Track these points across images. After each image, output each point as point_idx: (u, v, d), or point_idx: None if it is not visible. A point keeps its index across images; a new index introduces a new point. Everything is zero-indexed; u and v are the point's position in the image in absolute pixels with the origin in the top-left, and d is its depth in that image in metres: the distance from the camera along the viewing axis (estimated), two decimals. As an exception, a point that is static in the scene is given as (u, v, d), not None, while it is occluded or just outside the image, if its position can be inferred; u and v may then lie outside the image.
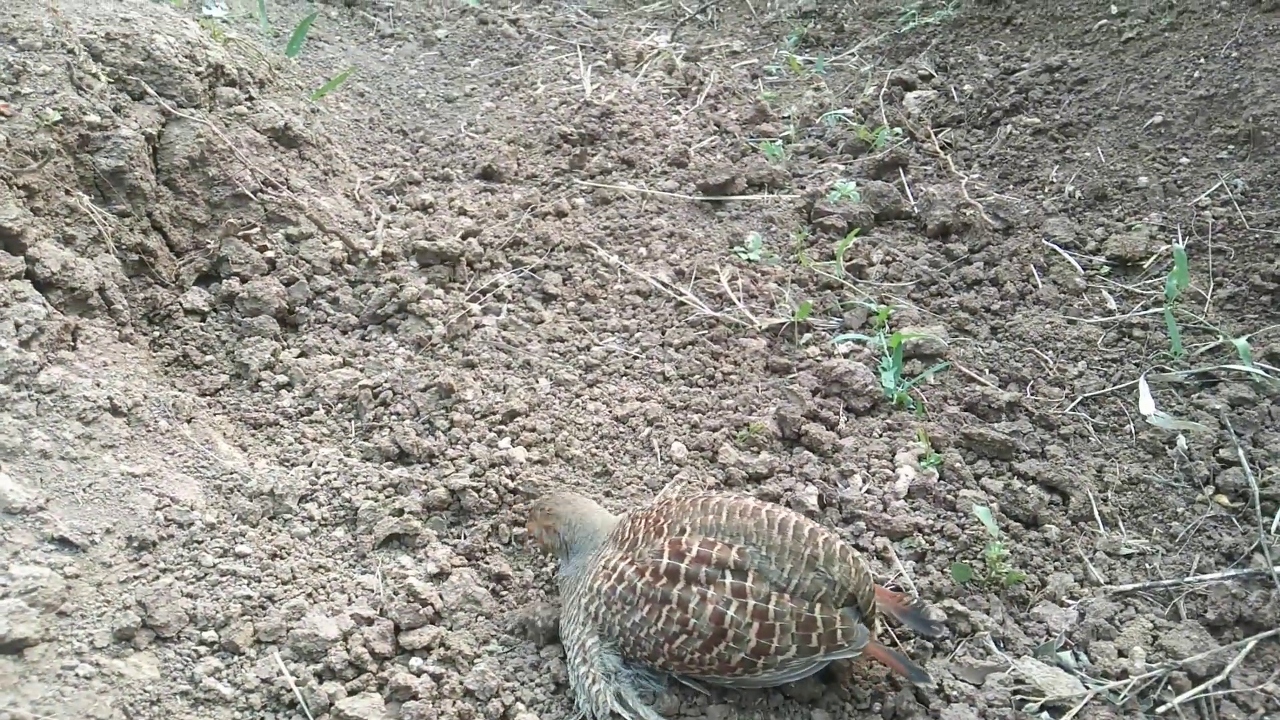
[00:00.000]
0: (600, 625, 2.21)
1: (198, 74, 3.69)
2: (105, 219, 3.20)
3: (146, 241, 3.33)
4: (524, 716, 2.18)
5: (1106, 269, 3.61)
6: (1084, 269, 3.62)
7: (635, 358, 3.36)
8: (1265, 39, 3.96)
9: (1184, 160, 3.90)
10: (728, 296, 3.60)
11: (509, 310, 3.49)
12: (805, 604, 2.10)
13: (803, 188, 4.25)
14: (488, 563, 2.59)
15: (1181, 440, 2.91)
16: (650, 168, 4.45)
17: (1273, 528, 2.65)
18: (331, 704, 2.13)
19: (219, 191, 3.57)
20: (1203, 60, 4.09)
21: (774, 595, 2.10)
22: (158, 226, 3.43)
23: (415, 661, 2.28)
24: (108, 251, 3.16)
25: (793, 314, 3.46)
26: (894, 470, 2.85)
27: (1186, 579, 2.55)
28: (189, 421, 2.83)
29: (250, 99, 3.99)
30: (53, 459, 2.42)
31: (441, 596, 2.44)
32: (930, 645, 2.39)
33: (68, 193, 3.11)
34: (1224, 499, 2.76)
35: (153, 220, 3.41)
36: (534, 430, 2.95)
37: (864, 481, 2.82)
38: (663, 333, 3.47)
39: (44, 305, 2.78)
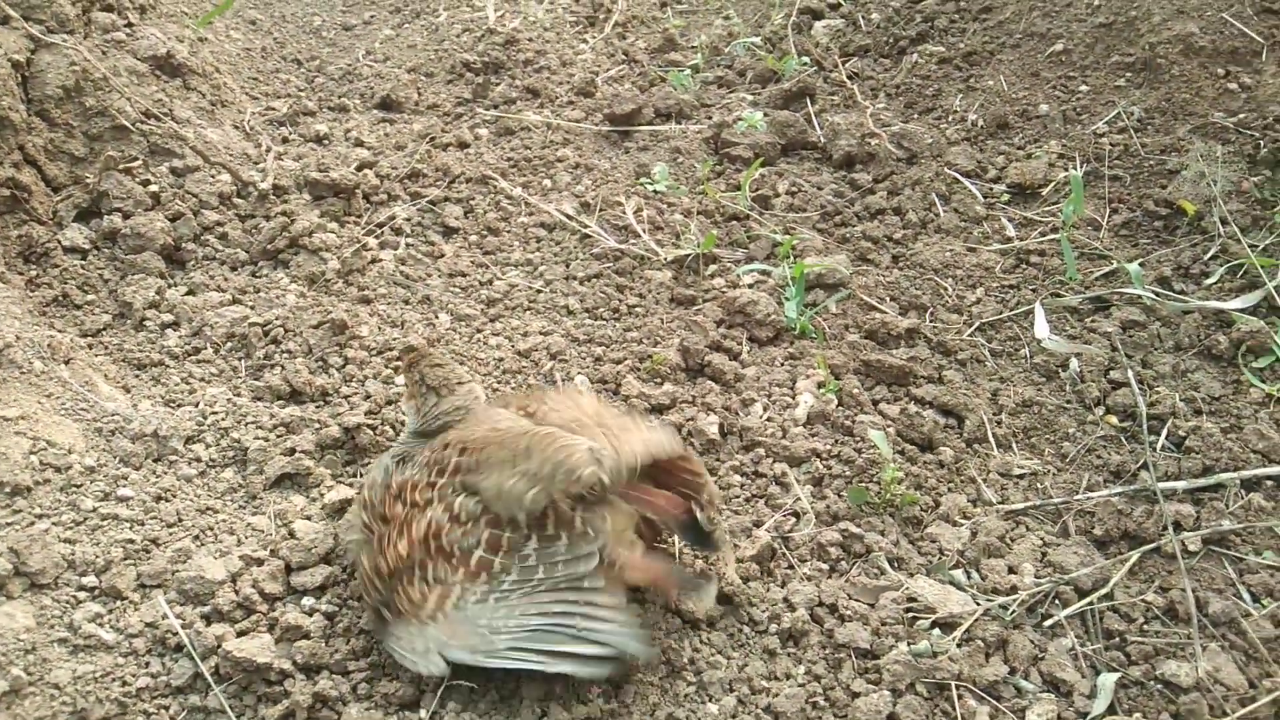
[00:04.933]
0: None
1: (69, -3, 3.48)
2: (-30, 152, 3.02)
3: (19, 176, 3.16)
4: (421, 652, 2.15)
5: (1006, 197, 3.65)
6: (984, 197, 3.65)
7: (539, 291, 3.30)
8: (1162, -34, 3.99)
9: (1083, 88, 3.94)
10: (633, 229, 3.55)
11: (407, 244, 3.40)
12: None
13: (710, 118, 4.19)
14: (384, 500, 2.54)
15: (1074, 363, 2.97)
16: (556, 97, 4.35)
17: (1158, 446, 2.72)
18: (219, 646, 2.08)
19: (97, 123, 3.39)
20: (1103, -12, 4.12)
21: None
22: (31, 160, 3.25)
23: (308, 601, 2.24)
24: (-26, 186, 2.98)
25: (698, 245, 3.43)
26: (794, 398, 2.86)
27: (1076, 497, 2.62)
28: (67, 363, 2.71)
29: (130, 25, 3.78)
30: (-87, 403, 2.30)
31: (336, 536, 2.39)
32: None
33: (-74, 123, 2.92)
34: (1113, 419, 2.83)
35: (25, 154, 3.23)
36: (432, 365, 2.88)
37: (764, 410, 2.83)
38: (567, 266, 3.41)
39: (-99, 242, 2.62)
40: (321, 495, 2.52)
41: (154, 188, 3.33)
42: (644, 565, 2.08)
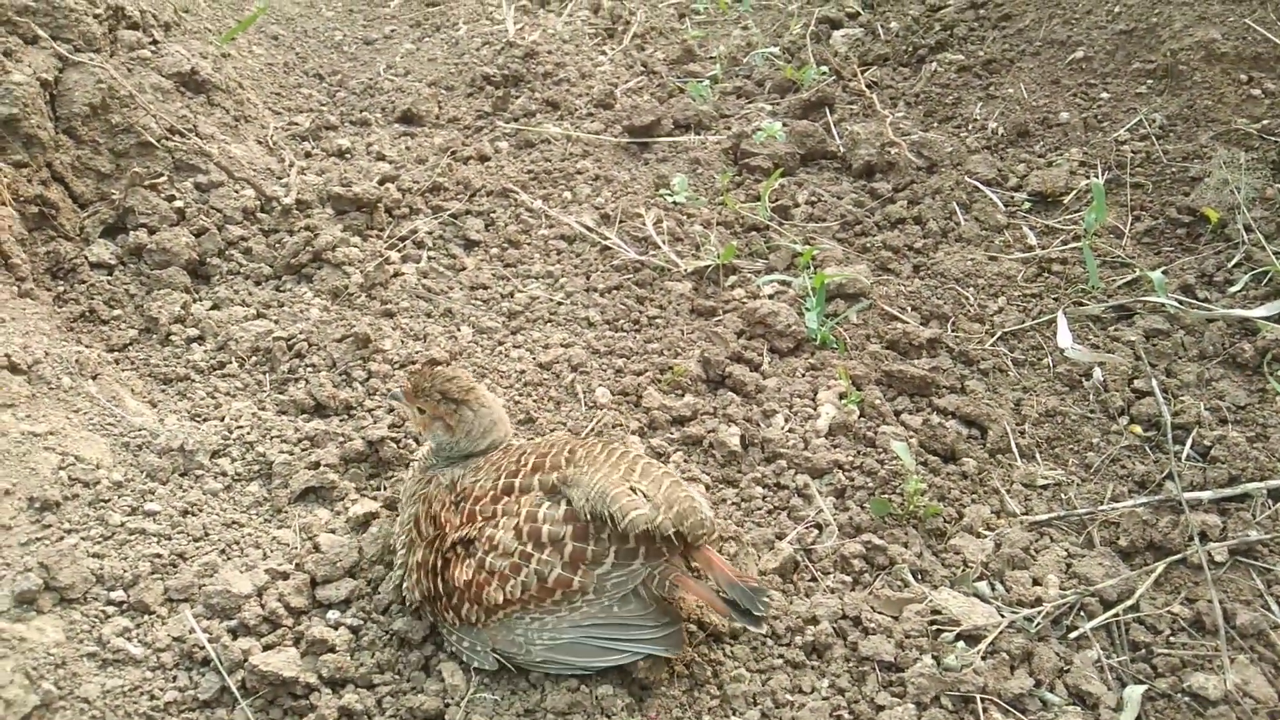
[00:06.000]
0: None
1: (95, 16, 3.53)
2: (0, 170, 3.06)
3: (47, 193, 3.20)
4: (446, 665, 2.17)
5: (1028, 205, 3.63)
6: (1005, 205, 3.63)
7: (560, 303, 3.31)
8: (1183, -28, 3.97)
9: (1104, 95, 3.92)
10: (653, 240, 3.56)
11: (429, 257, 3.42)
12: None
13: (729, 128, 4.20)
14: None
15: (1097, 372, 2.96)
16: (575, 109, 4.37)
17: (1183, 455, 2.70)
18: (246, 660, 2.10)
19: (123, 140, 3.43)
20: (1123, -6, 4.10)
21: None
22: (58, 177, 3.29)
23: (333, 614, 2.25)
24: (3, 204, 3.02)
25: (718, 256, 3.44)
26: (815, 409, 2.86)
27: (1100, 508, 2.60)
28: (94, 378, 2.74)
29: (155, 43, 3.83)
30: (-55, 420, 2.33)
31: (361, 549, 2.41)
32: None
33: (-44, 142, 2.97)
34: (1138, 429, 2.81)
35: (53, 171, 3.27)
36: (454, 378, 2.90)
37: (786, 421, 2.83)
38: (587, 278, 3.43)
39: (-68, 260, 2.66)
40: (346, 509, 2.53)
41: (179, 203, 3.36)
42: (699, 590, 2.13)
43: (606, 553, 2.04)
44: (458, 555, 2.13)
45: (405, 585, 2.26)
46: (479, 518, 2.14)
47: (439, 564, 2.14)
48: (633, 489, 2.06)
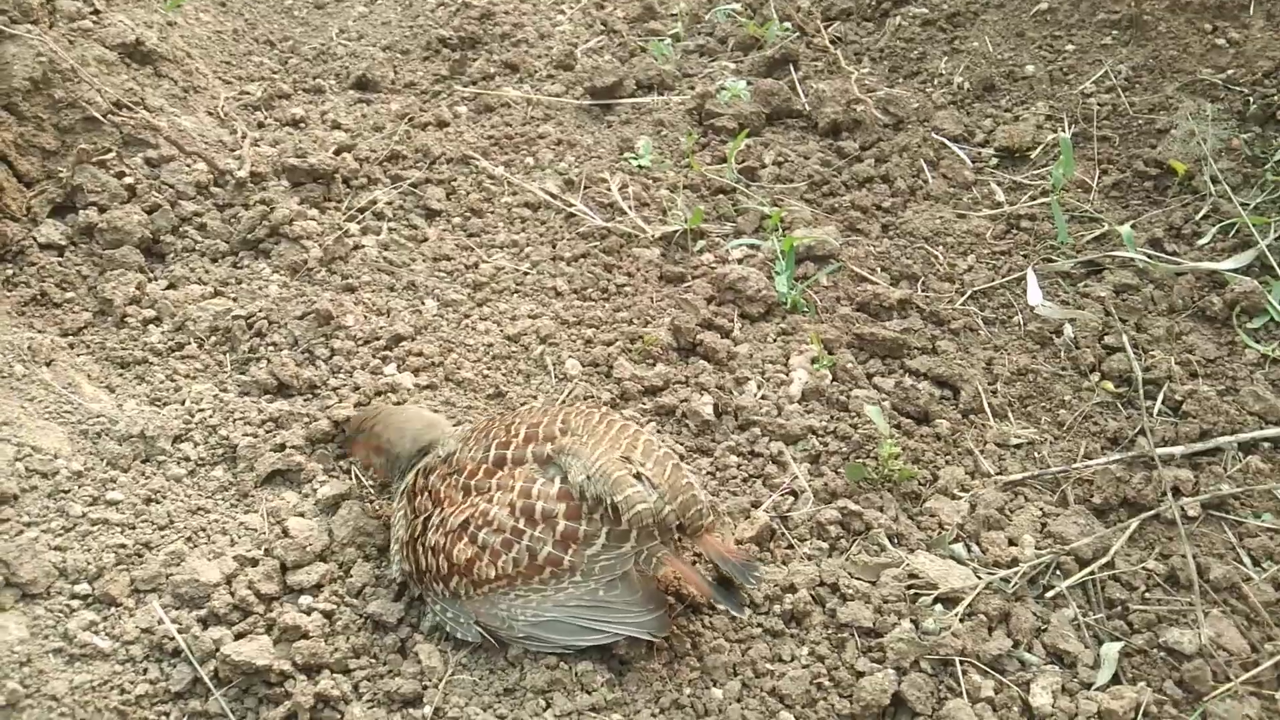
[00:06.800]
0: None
1: (32, -15, 3.39)
2: (-62, 149, 2.95)
3: (-11, 172, 3.09)
4: (423, 647, 2.14)
5: (995, 160, 3.61)
6: (973, 162, 3.61)
7: (526, 273, 3.26)
8: (1146, -80, 3.93)
9: (1069, 47, 3.89)
10: (619, 206, 3.50)
11: (390, 229, 3.35)
12: None
13: (693, 88, 4.13)
14: (376, 493, 2.52)
15: (1068, 329, 2.95)
16: (535, 71, 4.27)
17: (1154, 411, 2.71)
18: (217, 649, 2.06)
19: (68, 115, 3.31)
20: (1086, -57, 4.06)
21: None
22: (1, 156, 3.17)
23: (305, 600, 2.21)
24: (-56, 185, 2.92)
25: (685, 221, 3.39)
26: (788, 374, 2.83)
27: (1074, 465, 2.61)
28: (49, 364, 2.66)
29: (96, 12, 3.69)
30: (-108, 414, 2.25)
31: (331, 532, 2.36)
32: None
33: (-110, 122, 2.85)
34: (1109, 385, 2.81)
35: (-6, 149, 3.15)
36: (421, 354, 2.85)
37: (759, 387, 2.81)
38: (553, 246, 3.37)
39: None
40: (314, 490, 2.49)
41: (129, 180, 3.25)
42: (686, 571, 2.14)
43: (598, 533, 2.02)
44: (453, 530, 2.10)
45: (397, 558, 2.24)
46: (474, 492, 2.12)
47: (441, 541, 2.11)
48: (637, 475, 2.03)
